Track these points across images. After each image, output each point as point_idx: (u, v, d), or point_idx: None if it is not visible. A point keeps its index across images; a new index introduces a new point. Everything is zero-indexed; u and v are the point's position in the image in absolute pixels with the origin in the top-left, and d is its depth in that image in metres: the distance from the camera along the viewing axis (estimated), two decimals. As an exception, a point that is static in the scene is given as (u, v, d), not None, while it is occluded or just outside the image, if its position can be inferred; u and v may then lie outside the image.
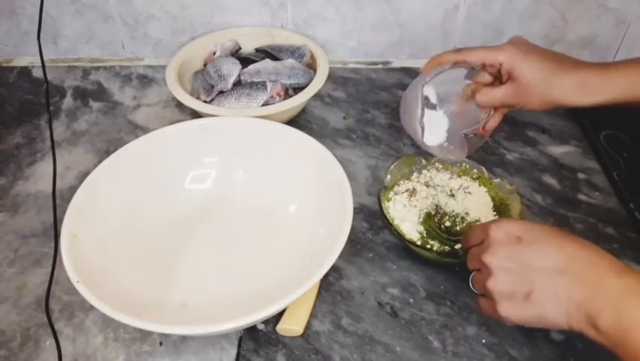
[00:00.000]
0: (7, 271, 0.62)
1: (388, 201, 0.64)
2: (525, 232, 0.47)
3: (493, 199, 0.65)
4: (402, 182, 0.66)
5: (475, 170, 0.67)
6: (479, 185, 0.66)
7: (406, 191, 0.65)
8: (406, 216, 0.63)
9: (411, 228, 0.62)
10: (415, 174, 0.67)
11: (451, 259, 0.61)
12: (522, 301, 0.46)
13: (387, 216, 0.61)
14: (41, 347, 0.55)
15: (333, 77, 0.89)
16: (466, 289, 0.59)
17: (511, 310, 0.46)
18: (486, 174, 0.66)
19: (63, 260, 0.51)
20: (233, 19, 0.88)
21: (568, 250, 0.45)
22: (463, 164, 0.67)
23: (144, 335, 0.56)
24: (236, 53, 0.86)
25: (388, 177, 0.65)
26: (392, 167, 0.65)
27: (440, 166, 0.67)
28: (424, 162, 0.67)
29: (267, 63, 0.81)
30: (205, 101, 0.76)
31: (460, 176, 0.67)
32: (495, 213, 0.63)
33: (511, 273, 0.46)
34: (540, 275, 0.45)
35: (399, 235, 0.60)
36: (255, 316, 0.48)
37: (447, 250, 0.60)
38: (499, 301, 0.47)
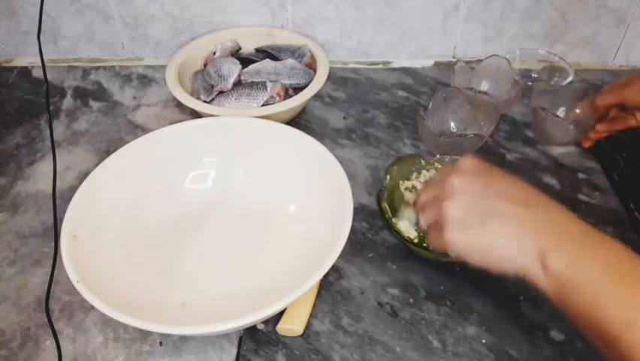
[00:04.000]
0: (7, 271, 0.62)
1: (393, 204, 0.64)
2: (495, 168, 0.47)
3: None
4: (401, 182, 0.66)
5: None
6: None
7: (405, 189, 0.66)
8: (404, 214, 0.63)
9: (408, 225, 0.62)
10: (415, 174, 0.67)
11: (450, 259, 0.61)
12: (474, 228, 0.44)
13: (387, 217, 0.61)
14: (41, 347, 0.55)
15: (333, 77, 0.89)
16: (466, 289, 0.60)
17: (457, 236, 0.45)
18: None
19: (63, 260, 0.51)
20: (233, 19, 0.88)
21: (535, 191, 0.45)
22: None
23: (144, 335, 0.56)
24: (236, 53, 0.86)
25: (388, 177, 0.65)
26: (391, 167, 0.65)
27: (440, 166, 0.67)
28: (423, 162, 0.67)
29: (267, 63, 0.81)
30: (205, 101, 0.76)
31: None
32: None
33: (473, 196, 0.45)
34: (503, 202, 0.44)
35: (398, 235, 0.60)
36: (255, 316, 0.47)
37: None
38: (449, 225, 0.45)
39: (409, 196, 0.66)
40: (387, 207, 0.63)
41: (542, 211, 0.44)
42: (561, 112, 0.79)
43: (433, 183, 0.51)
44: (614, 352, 0.39)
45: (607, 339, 0.39)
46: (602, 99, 0.71)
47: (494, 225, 0.44)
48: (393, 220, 0.62)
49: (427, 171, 0.67)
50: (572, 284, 0.40)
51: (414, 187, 0.66)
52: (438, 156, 0.67)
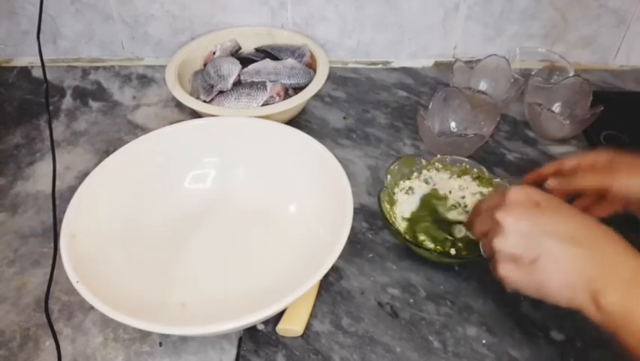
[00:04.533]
0: (7, 271, 0.62)
1: (392, 204, 0.65)
2: (545, 199, 0.46)
3: None
4: (401, 182, 0.66)
5: (475, 170, 0.67)
6: (479, 185, 0.66)
7: (402, 189, 0.66)
8: (404, 209, 0.64)
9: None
10: (415, 174, 0.67)
11: (450, 259, 0.61)
12: (527, 266, 0.44)
13: (388, 217, 0.61)
14: (41, 347, 0.55)
15: (333, 77, 0.89)
16: (466, 289, 0.60)
17: (511, 273, 0.45)
18: (486, 173, 0.66)
19: (63, 260, 0.51)
20: (233, 19, 0.88)
21: (586, 223, 0.44)
22: (463, 164, 0.67)
23: (144, 335, 0.56)
24: (236, 53, 0.86)
25: (389, 177, 0.65)
26: (392, 167, 0.65)
27: (440, 166, 0.67)
28: (423, 162, 0.67)
29: (266, 63, 0.81)
30: (205, 101, 0.76)
31: (460, 176, 0.67)
32: None
33: (523, 235, 0.45)
34: (553, 242, 0.43)
35: (399, 236, 0.60)
36: (255, 316, 0.47)
37: (447, 250, 0.61)
38: (501, 262, 0.46)
39: (403, 198, 0.66)
40: (387, 207, 0.63)
41: (593, 250, 0.43)
42: (556, 107, 0.79)
43: (483, 210, 0.51)
44: None
45: None
46: (583, 182, 0.57)
47: (544, 265, 0.44)
48: (396, 224, 0.62)
49: (428, 171, 0.67)
50: (627, 321, 0.40)
51: (410, 188, 0.66)
52: (438, 155, 0.67)
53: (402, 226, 0.64)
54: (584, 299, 0.42)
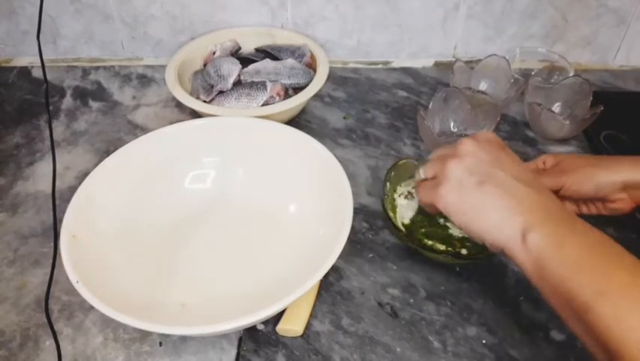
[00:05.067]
0: (7, 271, 0.62)
1: (394, 209, 0.65)
2: (510, 149, 0.49)
3: None
4: (399, 188, 0.66)
5: None
6: None
7: (401, 194, 0.66)
8: (404, 214, 0.64)
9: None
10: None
11: (464, 260, 0.60)
12: (469, 190, 0.46)
13: (394, 224, 0.61)
14: (41, 347, 0.55)
15: (333, 77, 0.89)
16: (467, 289, 0.60)
17: (451, 193, 0.47)
18: None
19: (63, 260, 0.51)
20: (233, 19, 0.88)
21: (538, 177, 0.48)
22: None
23: (144, 335, 0.56)
24: (236, 53, 0.86)
25: (387, 184, 0.64)
26: (389, 174, 0.65)
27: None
28: None
29: (266, 63, 0.81)
30: (205, 101, 0.76)
31: None
32: None
33: (478, 161, 0.47)
34: (503, 174, 0.46)
35: (407, 241, 0.60)
36: (255, 316, 0.47)
37: (458, 250, 0.61)
38: (447, 181, 0.47)
39: (402, 202, 0.66)
40: (393, 215, 0.63)
41: (536, 192, 0.46)
42: (556, 107, 0.80)
43: (449, 146, 0.52)
44: (583, 326, 0.40)
45: (576, 311, 0.40)
46: None
47: (489, 191, 0.45)
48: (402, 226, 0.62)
49: None
50: (548, 261, 0.42)
51: (409, 193, 0.66)
52: None
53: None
54: (511, 234, 0.44)
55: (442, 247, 0.61)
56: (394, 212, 0.64)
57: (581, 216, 0.58)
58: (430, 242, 0.62)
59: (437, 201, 0.48)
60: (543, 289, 0.43)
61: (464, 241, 0.62)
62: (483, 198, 0.46)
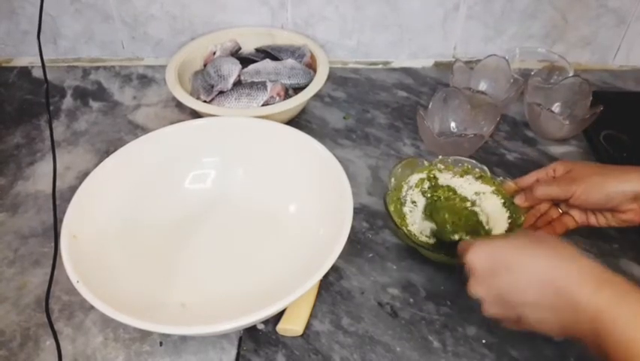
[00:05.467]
0: (7, 271, 0.62)
1: (399, 205, 0.65)
2: (495, 261, 0.49)
3: (502, 197, 0.64)
4: (404, 184, 0.66)
5: (477, 169, 0.66)
6: (481, 184, 0.66)
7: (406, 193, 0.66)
8: (411, 216, 0.64)
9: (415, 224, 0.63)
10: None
11: (454, 260, 0.60)
12: (515, 323, 0.48)
13: (395, 221, 0.61)
14: (41, 347, 0.55)
15: (333, 77, 0.89)
16: (466, 289, 0.59)
17: (509, 326, 0.49)
18: (488, 173, 0.66)
19: (63, 260, 0.51)
20: (233, 19, 0.88)
21: (541, 276, 0.46)
22: (465, 164, 0.67)
23: (144, 335, 0.56)
24: (236, 53, 0.86)
25: (392, 180, 0.65)
26: (395, 170, 0.65)
27: (442, 167, 0.67)
28: (426, 163, 0.67)
29: (267, 63, 0.81)
30: (205, 101, 0.76)
31: (462, 176, 0.67)
32: (507, 210, 0.64)
33: (497, 303, 0.48)
34: (522, 309, 0.47)
35: (408, 239, 0.60)
36: (255, 316, 0.48)
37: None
38: (499, 320, 0.50)
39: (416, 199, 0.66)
40: (394, 210, 0.63)
41: (553, 307, 0.45)
42: (556, 107, 0.80)
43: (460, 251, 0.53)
44: None
45: None
46: (545, 192, 0.59)
47: (527, 323, 0.47)
48: (405, 226, 0.62)
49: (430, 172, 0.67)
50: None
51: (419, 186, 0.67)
52: (440, 157, 0.67)
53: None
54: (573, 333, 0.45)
55: (457, 237, 0.61)
56: (400, 213, 0.64)
57: (590, 228, 0.60)
58: (456, 237, 0.62)
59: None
60: None
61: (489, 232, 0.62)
62: (531, 327, 0.47)
